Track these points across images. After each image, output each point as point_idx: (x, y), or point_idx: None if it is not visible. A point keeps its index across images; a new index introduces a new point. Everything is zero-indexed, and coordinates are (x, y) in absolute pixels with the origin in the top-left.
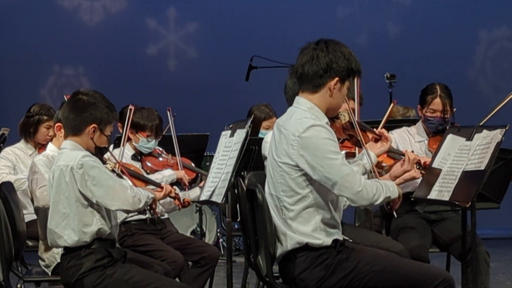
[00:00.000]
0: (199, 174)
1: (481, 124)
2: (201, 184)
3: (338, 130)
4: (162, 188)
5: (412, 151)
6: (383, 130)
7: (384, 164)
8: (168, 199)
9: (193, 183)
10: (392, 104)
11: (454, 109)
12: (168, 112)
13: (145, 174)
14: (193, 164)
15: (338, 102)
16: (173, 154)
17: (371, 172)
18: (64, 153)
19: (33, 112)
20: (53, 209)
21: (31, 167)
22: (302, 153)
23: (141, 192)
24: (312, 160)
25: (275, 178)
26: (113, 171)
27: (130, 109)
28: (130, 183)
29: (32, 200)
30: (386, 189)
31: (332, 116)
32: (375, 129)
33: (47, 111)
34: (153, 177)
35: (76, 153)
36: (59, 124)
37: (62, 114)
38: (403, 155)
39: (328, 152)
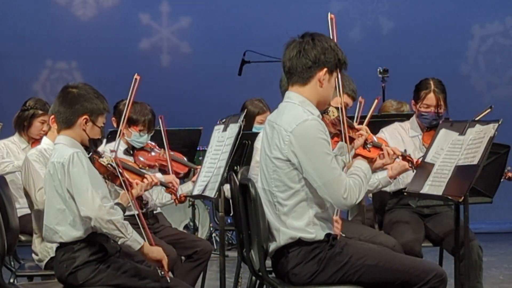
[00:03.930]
0: (192, 169)
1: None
2: (193, 179)
3: (327, 125)
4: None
5: (405, 150)
6: (361, 126)
7: (369, 146)
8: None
9: (185, 177)
10: (376, 101)
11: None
12: (160, 120)
13: (138, 168)
14: (185, 159)
15: (328, 94)
16: (165, 149)
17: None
18: (58, 149)
19: (29, 106)
20: (48, 205)
21: (24, 162)
22: (293, 149)
23: (121, 215)
24: (302, 158)
25: (268, 173)
26: (110, 165)
27: (136, 79)
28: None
29: (26, 194)
30: (365, 181)
31: (322, 110)
32: (355, 124)
33: (43, 106)
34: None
35: (68, 150)
36: (53, 116)
37: (53, 108)
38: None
39: (319, 152)
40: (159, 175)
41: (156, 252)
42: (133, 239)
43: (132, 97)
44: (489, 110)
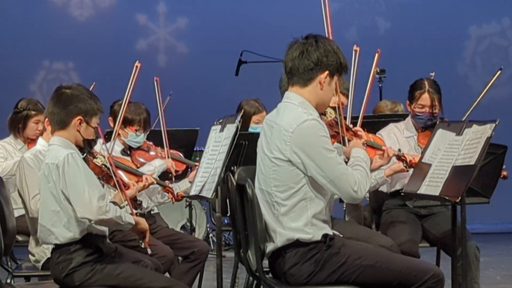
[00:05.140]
0: (189, 167)
1: (464, 116)
2: (190, 176)
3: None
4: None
5: (399, 150)
6: (358, 128)
7: (363, 147)
8: (157, 190)
9: (183, 175)
10: (368, 93)
11: (433, 74)
12: (156, 82)
13: (135, 167)
14: (182, 155)
15: (327, 97)
16: (162, 147)
17: None
18: (52, 150)
19: (21, 107)
20: (43, 206)
21: (20, 164)
22: (295, 150)
23: (115, 208)
24: (306, 158)
25: (267, 173)
26: (104, 165)
27: (136, 67)
28: (108, 191)
29: (20, 196)
30: (368, 170)
31: (321, 112)
32: (351, 126)
33: (35, 105)
34: (145, 169)
35: (62, 151)
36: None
37: (47, 109)
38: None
39: (322, 150)
40: (159, 161)
41: (143, 223)
42: (127, 223)
43: (132, 85)
44: (499, 72)
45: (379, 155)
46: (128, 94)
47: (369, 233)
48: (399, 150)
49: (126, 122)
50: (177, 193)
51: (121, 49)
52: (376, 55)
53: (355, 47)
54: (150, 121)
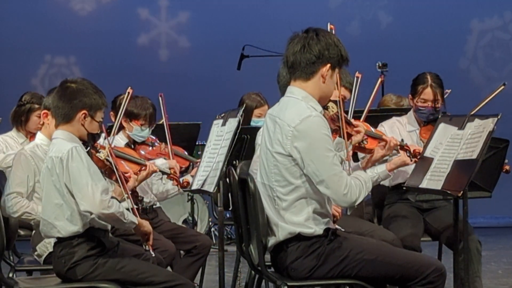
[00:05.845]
0: (191, 163)
1: (471, 113)
2: (192, 173)
3: (327, 120)
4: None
5: (402, 140)
6: (358, 123)
7: (365, 142)
8: (160, 188)
9: (185, 171)
10: (379, 81)
11: (448, 91)
12: (160, 98)
13: (137, 156)
14: (185, 153)
15: (330, 89)
16: (166, 143)
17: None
18: (56, 143)
19: (25, 100)
20: (46, 200)
21: (16, 156)
22: (295, 144)
23: (118, 204)
24: (304, 154)
25: (269, 168)
26: (106, 159)
27: (128, 93)
28: (110, 185)
29: None
30: (365, 187)
31: (323, 105)
32: (352, 120)
33: (39, 99)
34: None
35: (66, 145)
36: (45, 111)
37: (51, 103)
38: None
39: (321, 148)
40: (161, 160)
41: (147, 226)
42: (130, 221)
43: (123, 109)
44: (502, 87)
45: (381, 146)
46: (120, 116)
47: (371, 227)
48: (402, 140)
49: (132, 116)
50: (182, 180)
51: (123, 44)
52: (379, 79)
53: (357, 74)
54: (155, 116)
